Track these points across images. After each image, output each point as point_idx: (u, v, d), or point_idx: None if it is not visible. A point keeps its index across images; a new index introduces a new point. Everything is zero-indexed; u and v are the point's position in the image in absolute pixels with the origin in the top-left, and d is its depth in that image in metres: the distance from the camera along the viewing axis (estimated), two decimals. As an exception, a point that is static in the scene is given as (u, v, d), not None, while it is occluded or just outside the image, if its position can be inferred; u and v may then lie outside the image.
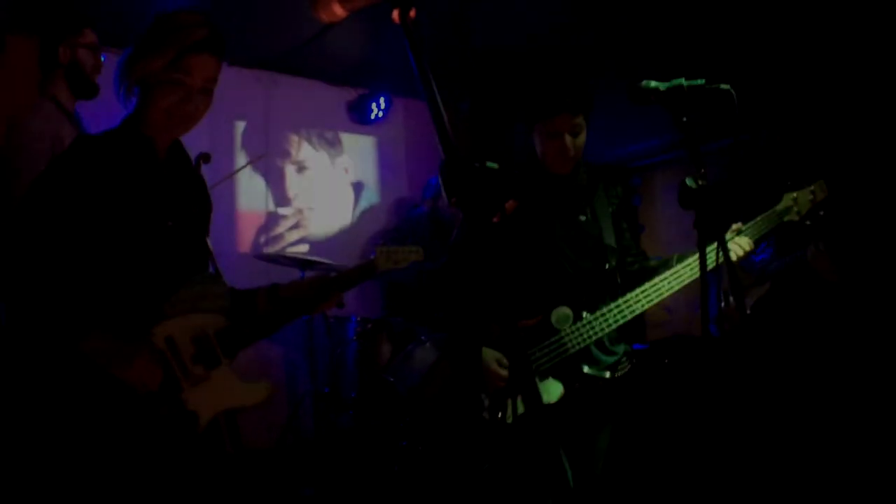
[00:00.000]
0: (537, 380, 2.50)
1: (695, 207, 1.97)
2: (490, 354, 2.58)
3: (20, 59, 3.77)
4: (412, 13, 1.33)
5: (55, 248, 1.97)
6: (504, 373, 2.54)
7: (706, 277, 1.94)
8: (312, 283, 2.46)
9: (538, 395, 2.22)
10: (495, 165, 1.14)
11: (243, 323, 2.26)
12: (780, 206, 2.73)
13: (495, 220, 1.13)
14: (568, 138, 2.64)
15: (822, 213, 2.77)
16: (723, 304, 3.55)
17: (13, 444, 1.97)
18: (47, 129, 3.12)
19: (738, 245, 2.62)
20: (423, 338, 4.37)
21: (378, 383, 4.44)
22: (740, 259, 2.65)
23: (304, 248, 6.04)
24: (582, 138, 2.68)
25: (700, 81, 2.12)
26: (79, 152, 2.09)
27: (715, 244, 2.03)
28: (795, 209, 2.73)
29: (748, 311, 3.51)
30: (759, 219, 2.69)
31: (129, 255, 2.08)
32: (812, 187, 2.76)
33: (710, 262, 2.10)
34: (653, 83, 2.13)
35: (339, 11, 1.47)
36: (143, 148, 2.16)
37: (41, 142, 3.06)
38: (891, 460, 3.30)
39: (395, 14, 1.33)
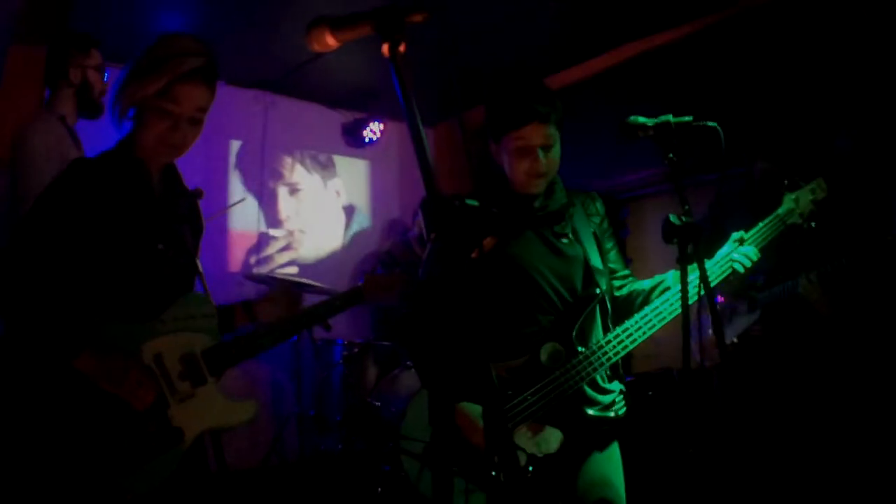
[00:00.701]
0: (530, 429, 2.26)
1: (678, 243, 1.99)
2: (474, 411, 2.28)
3: (22, 70, 3.81)
4: (402, 48, 1.36)
5: (51, 268, 2.02)
6: None
7: (687, 313, 1.95)
8: (296, 307, 2.53)
9: (515, 458, 2.04)
10: (475, 202, 1.16)
11: (230, 343, 2.29)
12: (781, 210, 2.61)
13: (474, 255, 1.15)
14: (540, 153, 2.36)
15: (823, 214, 2.68)
16: (706, 336, 3.56)
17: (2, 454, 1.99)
18: (55, 147, 3.17)
19: (745, 256, 2.44)
20: (409, 363, 4.37)
21: (363, 407, 4.43)
22: (748, 271, 2.45)
23: (294, 269, 6.05)
24: (555, 153, 2.41)
25: (688, 118, 2.15)
26: (75, 176, 2.12)
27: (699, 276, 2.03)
28: (798, 210, 2.62)
29: (735, 341, 3.50)
30: (761, 225, 2.56)
31: (121, 277, 2.12)
32: (811, 185, 2.67)
33: (693, 294, 2.12)
34: (641, 119, 2.16)
35: (331, 42, 1.50)
36: (137, 171, 2.19)
37: (49, 161, 3.09)
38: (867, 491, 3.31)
39: (385, 48, 1.36)
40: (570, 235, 2.49)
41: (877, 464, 3.37)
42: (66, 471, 1.96)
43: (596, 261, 2.48)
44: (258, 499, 4.68)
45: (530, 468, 2.21)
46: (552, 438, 2.26)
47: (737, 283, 2.76)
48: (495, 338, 2.35)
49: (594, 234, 2.54)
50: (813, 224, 2.65)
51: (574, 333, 2.34)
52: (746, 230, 2.53)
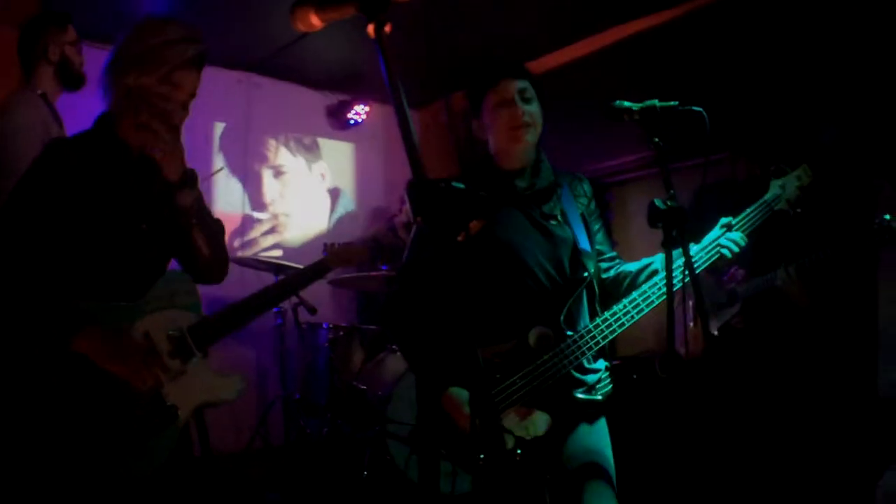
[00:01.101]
0: (517, 413, 2.26)
1: (662, 227, 1.99)
2: (461, 396, 2.25)
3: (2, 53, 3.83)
4: (387, 28, 1.35)
5: (38, 250, 2.02)
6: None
7: (672, 299, 1.95)
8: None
9: (501, 442, 2.07)
10: (461, 185, 1.15)
11: (214, 318, 2.33)
12: (769, 195, 2.61)
13: (460, 239, 1.14)
14: (518, 102, 2.39)
15: (809, 200, 2.67)
16: (690, 324, 3.58)
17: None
18: (39, 124, 3.21)
19: (732, 241, 2.43)
20: (394, 346, 4.38)
21: (349, 390, 4.43)
22: (735, 255, 2.44)
23: (278, 252, 6.03)
24: (534, 107, 2.43)
25: (673, 103, 2.14)
26: (56, 157, 2.12)
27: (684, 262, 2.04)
28: (784, 196, 2.62)
29: (715, 333, 3.53)
30: (749, 211, 2.55)
31: (106, 257, 2.13)
32: (797, 172, 2.67)
33: (679, 279, 2.13)
34: (626, 103, 2.15)
35: (315, 22, 1.49)
36: (119, 151, 2.18)
37: (32, 137, 3.12)
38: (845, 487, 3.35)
39: (370, 28, 1.35)
40: (559, 217, 2.47)
41: (849, 455, 3.42)
42: (66, 456, 1.97)
43: (584, 243, 2.46)
44: (243, 483, 4.69)
45: (518, 451, 2.21)
46: (540, 422, 2.26)
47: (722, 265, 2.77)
48: (483, 321, 2.33)
49: (582, 215, 2.52)
50: (799, 210, 2.64)
51: (562, 317, 2.33)
52: (734, 216, 2.52)
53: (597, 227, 2.58)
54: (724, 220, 2.50)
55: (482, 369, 1.24)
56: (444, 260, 1.15)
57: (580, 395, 2.33)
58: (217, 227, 2.40)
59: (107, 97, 2.17)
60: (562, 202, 2.50)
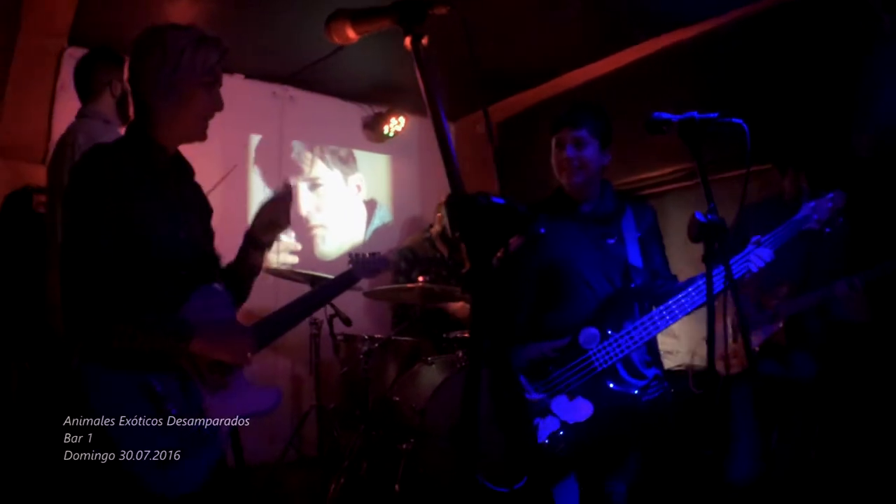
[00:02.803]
0: (567, 398, 2.67)
1: (703, 241, 1.96)
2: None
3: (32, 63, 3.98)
4: (425, 41, 1.33)
5: (121, 262, 1.99)
6: None
7: (713, 312, 1.92)
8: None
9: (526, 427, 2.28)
10: (502, 201, 1.13)
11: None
12: (798, 216, 2.74)
13: (499, 255, 1.13)
14: (569, 148, 2.85)
15: (841, 220, 2.74)
16: (731, 340, 3.52)
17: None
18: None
19: (758, 257, 2.66)
20: (429, 358, 4.36)
21: (383, 402, 4.42)
22: (762, 270, 2.67)
23: (315, 264, 6.05)
24: (587, 151, 2.85)
25: (713, 115, 2.12)
26: (101, 163, 2.08)
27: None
28: (815, 217, 2.71)
29: (756, 349, 3.47)
30: (778, 229, 2.70)
31: (153, 267, 2.09)
32: (831, 195, 2.74)
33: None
34: (665, 115, 2.14)
35: (351, 35, 1.48)
36: (158, 157, 2.19)
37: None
38: None
39: (407, 41, 1.34)
40: (616, 237, 2.90)
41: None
42: (118, 475, 1.93)
43: (636, 260, 2.86)
44: (277, 494, 4.69)
45: (561, 433, 2.63)
46: (583, 408, 2.66)
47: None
48: (546, 322, 2.85)
49: (639, 238, 2.91)
50: (828, 230, 2.74)
51: (610, 320, 2.74)
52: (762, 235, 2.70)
53: (655, 249, 2.98)
54: (753, 238, 2.71)
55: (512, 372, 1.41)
56: (480, 276, 1.14)
57: (613, 386, 2.70)
58: (256, 273, 2.50)
59: (164, 98, 2.14)
60: (622, 225, 2.92)
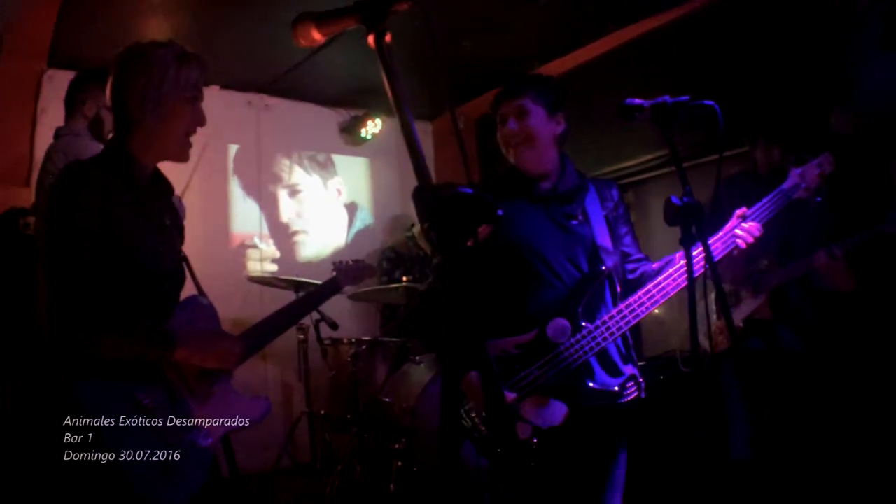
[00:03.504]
0: (538, 401, 2.31)
1: (680, 224, 1.97)
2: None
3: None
4: (388, 38, 1.34)
5: (103, 276, 1.98)
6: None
7: (693, 294, 1.93)
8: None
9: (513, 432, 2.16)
10: (469, 190, 1.14)
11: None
12: (785, 185, 2.60)
13: (469, 244, 1.13)
14: (511, 122, 2.53)
15: (830, 187, 2.65)
16: (715, 318, 3.54)
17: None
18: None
19: (746, 232, 2.42)
20: (417, 358, 4.37)
21: (374, 404, 4.43)
22: (750, 246, 2.42)
23: (298, 269, 6.04)
24: (532, 120, 2.52)
25: (684, 99, 2.13)
26: (79, 179, 2.05)
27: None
28: (803, 185, 2.59)
29: (740, 325, 3.48)
30: (764, 201, 2.53)
31: (137, 280, 2.08)
32: (818, 160, 2.64)
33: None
34: (637, 101, 2.15)
35: (317, 36, 1.48)
36: (138, 172, 2.17)
37: None
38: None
39: (371, 39, 1.34)
40: (580, 217, 2.56)
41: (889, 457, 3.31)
42: (111, 487, 1.91)
43: (603, 240, 2.52)
44: (273, 501, 4.68)
45: (535, 440, 2.28)
46: (557, 411, 2.30)
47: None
48: (505, 315, 2.44)
49: (605, 216, 2.58)
50: (819, 199, 2.63)
51: (580, 309, 2.39)
52: (748, 206, 2.51)
53: (624, 230, 2.64)
54: (738, 211, 2.49)
55: (489, 359, 1.25)
56: (453, 264, 1.13)
57: (592, 385, 2.36)
58: None
59: (149, 111, 2.13)
60: (585, 204, 2.58)
